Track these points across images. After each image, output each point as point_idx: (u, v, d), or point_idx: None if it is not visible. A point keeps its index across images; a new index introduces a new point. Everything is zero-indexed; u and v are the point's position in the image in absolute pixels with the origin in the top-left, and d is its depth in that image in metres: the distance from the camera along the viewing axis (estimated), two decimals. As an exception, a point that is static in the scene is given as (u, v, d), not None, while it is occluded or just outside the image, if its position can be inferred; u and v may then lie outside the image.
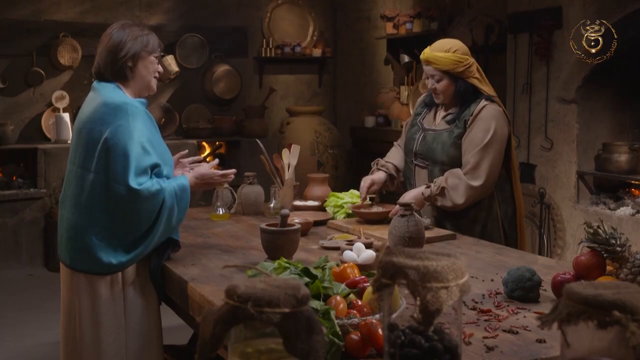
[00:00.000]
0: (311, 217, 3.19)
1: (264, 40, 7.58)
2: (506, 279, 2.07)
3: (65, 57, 6.56)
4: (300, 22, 7.87)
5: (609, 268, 2.05)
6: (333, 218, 3.26)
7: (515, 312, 1.93)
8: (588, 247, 2.02)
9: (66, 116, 6.40)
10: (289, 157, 3.51)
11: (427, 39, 5.75)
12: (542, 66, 5.02)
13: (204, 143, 7.26)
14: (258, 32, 7.64)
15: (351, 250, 2.33)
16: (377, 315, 1.63)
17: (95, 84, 2.63)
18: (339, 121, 7.99)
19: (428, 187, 3.03)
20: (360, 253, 2.28)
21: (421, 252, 1.01)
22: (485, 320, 1.86)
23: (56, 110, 6.56)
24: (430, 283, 0.92)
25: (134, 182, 2.41)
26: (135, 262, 2.53)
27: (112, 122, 2.45)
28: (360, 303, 1.74)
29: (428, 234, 2.87)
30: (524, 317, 1.89)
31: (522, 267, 2.07)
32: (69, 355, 2.58)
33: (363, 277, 1.89)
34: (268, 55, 7.55)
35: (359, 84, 7.78)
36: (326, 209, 3.35)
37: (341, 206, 3.29)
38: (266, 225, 2.46)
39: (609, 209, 4.67)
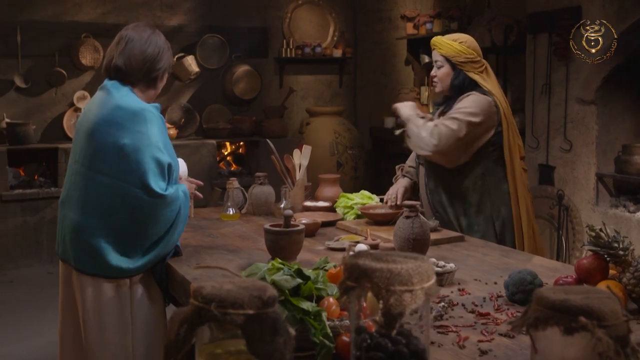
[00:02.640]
0: (320, 217, 3.19)
1: (284, 41, 7.59)
2: (507, 282, 2.05)
3: (87, 57, 6.63)
4: (320, 23, 7.87)
5: (612, 272, 2.02)
6: (343, 219, 3.24)
7: (515, 315, 1.90)
8: (590, 250, 1.98)
9: (87, 116, 6.45)
10: (300, 158, 3.51)
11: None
12: (562, 67, 4.96)
13: (227, 143, 7.32)
14: (278, 32, 7.65)
15: (354, 251, 2.32)
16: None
17: (107, 84, 2.57)
18: (359, 122, 7.98)
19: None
20: (363, 254, 2.27)
21: (389, 254, 0.99)
22: (483, 324, 1.84)
23: (78, 110, 6.64)
24: (394, 286, 0.91)
25: (157, 188, 2.42)
26: (148, 267, 2.51)
27: (131, 127, 2.42)
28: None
29: (435, 235, 2.85)
30: (523, 320, 1.87)
31: (524, 270, 2.04)
32: (73, 357, 2.57)
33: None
34: (288, 55, 7.56)
35: (379, 84, 7.76)
36: (336, 209, 3.34)
37: (351, 207, 3.28)
38: (270, 225, 2.46)
39: (629, 211, 4.60)
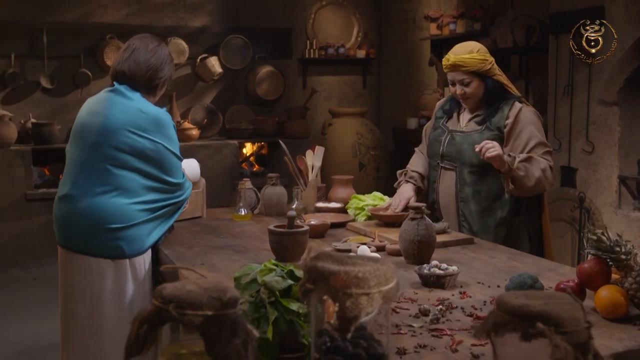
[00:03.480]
0: (332, 218, 3.18)
1: (308, 42, 7.59)
2: (508, 285, 2.02)
3: (112, 58, 6.69)
4: (344, 23, 7.86)
5: (615, 276, 1.98)
6: (354, 220, 3.23)
7: (513, 319, 1.88)
8: (593, 254, 1.95)
9: (111, 116, 6.52)
10: (313, 159, 3.51)
11: (471, 40, 5.66)
12: (584, 67, 4.88)
13: (248, 144, 7.35)
14: (302, 33, 7.66)
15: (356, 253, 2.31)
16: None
17: (119, 87, 2.72)
18: (383, 123, 7.95)
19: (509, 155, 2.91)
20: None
21: (349, 257, 0.98)
22: (479, 328, 1.82)
23: (102, 110, 6.70)
24: (350, 289, 0.90)
25: (178, 179, 2.78)
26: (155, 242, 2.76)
27: (154, 130, 2.66)
28: (347, 307, 1.71)
29: (445, 237, 2.83)
30: (521, 325, 1.84)
31: (525, 273, 2.01)
32: (81, 344, 2.64)
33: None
34: (312, 56, 7.56)
35: (403, 85, 7.72)
36: (348, 211, 3.33)
37: (362, 208, 3.26)
38: (274, 226, 2.47)
39: (651, 214, 4.52)
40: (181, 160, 2.84)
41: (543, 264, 2.52)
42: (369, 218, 3.21)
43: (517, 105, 3.02)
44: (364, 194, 3.40)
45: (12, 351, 4.32)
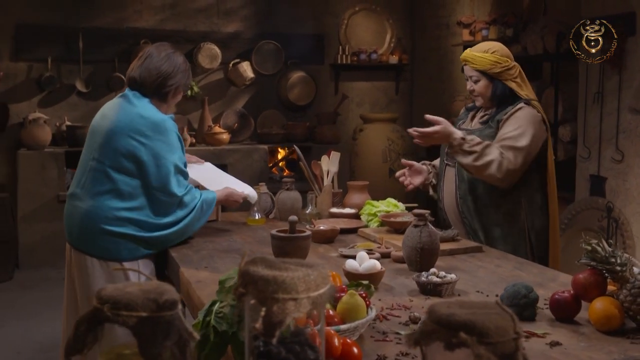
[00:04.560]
0: (344, 224, 3.18)
1: (340, 47, 7.59)
2: (502, 295, 1.99)
3: (145, 63, 6.80)
4: (377, 29, 7.85)
5: (612, 288, 1.94)
6: (366, 226, 3.22)
7: (504, 329, 1.85)
8: (587, 265, 1.91)
9: (143, 120, 6.63)
10: (329, 164, 3.51)
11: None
12: (614, 74, 4.79)
13: (279, 148, 7.39)
14: (334, 38, 7.67)
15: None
16: (340, 326, 1.61)
17: (128, 93, 2.82)
18: (415, 129, 7.89)
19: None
20: (363, 262, 2.25)
21: (283, 262, 0.98)
22: (467, 337, 1.79)
23: (135, 114, 6.81)
24: (277, 294, 0.90)
25: (176, 190, 2.76)
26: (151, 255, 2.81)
27: (152, 136, 2.72)
28: (332, 313, 1.71)
29: (453, 245, 2.80)
30: (512, 335, 1.81)
31: (519, 283, 1.98)
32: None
33: (343, 286, 1.86)
34: (344, 62, 7.55)
35: (435, 91, 7.67)
36: (361, 216, 3.33)
37: (375, 214, 3.25)
38: (277, 231, 2.47)
39: (681, 226, 4.41)
40: (184, 174, 2.82)
41: (548, 274, 2.48)
42: (381, 224, 3.20)
43: (520, 105, 3.00)
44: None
45: (36, 349, 4.41)
